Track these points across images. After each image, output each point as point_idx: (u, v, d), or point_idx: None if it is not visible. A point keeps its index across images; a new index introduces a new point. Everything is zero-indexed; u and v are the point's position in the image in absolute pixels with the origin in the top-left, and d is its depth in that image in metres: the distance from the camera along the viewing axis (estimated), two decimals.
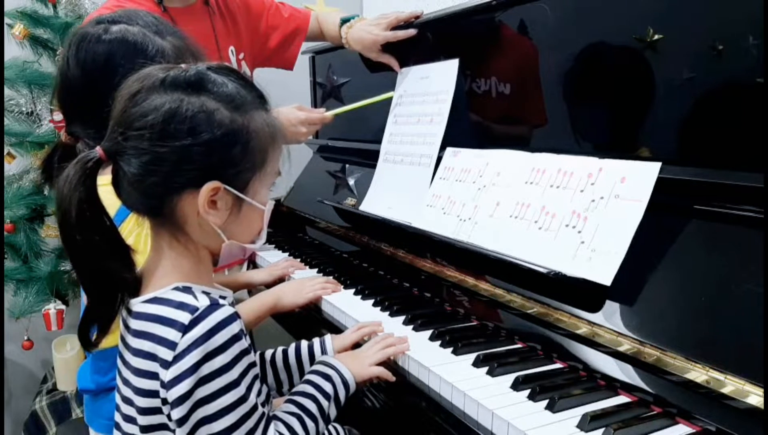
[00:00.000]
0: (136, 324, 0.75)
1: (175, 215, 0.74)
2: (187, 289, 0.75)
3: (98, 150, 0.72)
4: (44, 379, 2.22)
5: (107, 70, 0.90)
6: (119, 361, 0.79)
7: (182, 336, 0.70)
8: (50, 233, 2.07)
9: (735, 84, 0.84)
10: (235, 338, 0.72)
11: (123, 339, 0.78)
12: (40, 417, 2.02)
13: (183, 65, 0.75)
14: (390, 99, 1.52)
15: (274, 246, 1.74)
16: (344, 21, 1.62)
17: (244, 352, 0.73)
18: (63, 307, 2.04)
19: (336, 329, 1.15)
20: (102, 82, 0.88)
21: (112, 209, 0.76)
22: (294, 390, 0.89)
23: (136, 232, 0.83)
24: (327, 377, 0.89)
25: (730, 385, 0.71)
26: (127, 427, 0.77)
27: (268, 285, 1.42)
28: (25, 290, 2.01)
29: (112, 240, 0.75)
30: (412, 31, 1.46)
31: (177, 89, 0.72)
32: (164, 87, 0.72)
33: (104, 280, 0.75)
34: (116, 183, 0.75)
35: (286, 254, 1.64)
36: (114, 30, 0.93)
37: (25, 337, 2.08)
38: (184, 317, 0.71)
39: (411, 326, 1.07)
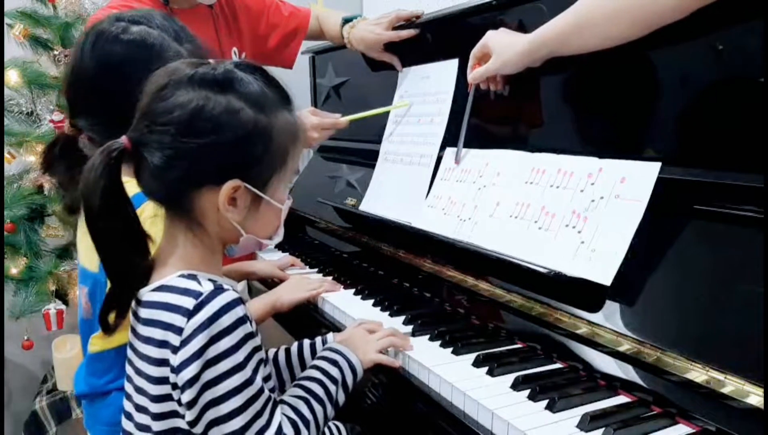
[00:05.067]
0: (145, 312, 0.76)
1: (194, 209, 0.76)
2: (192, 276, 0.76)
3: (124, 139, 0.73)
4: (44, 379, 2.22)
5: (122, 69, 0.89)
6: (129, 351, 0.80)
7: (187, 321, 0.71)
8: (50, 233, 2.07)
9: (735, 84, 0.84)
10: (240, 321, 0.73)
11: (133, 329, 0.79)
12: (40, 417, 2.03)
13: (211, 61, 0.76)
14: (405, 107, 1.50)
15: (274, 246, 1.74)
16: (346, 21, 1.62)
17: (249, 335, 0.73)
18: (63, 307, 2.05)
19: (336, 329, 1.15)
20: (114, 80, 0.88)
21: None
22: (301, 375, 0.89)
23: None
24: (334, 362, 0.90)
25: (730, 385, 0.71)
26: (139, 417, 0.78)
27: (268, 284, 1.42)
28: (25, 290, 2.01)
29: (134, 228, 0.76)
30: (414, 31, 1.47)
31: (204, 86, 0.73)
32: (192, 83, 0.73)
33: (127, 267, 0.76)
34: (138, 172, 0.75)
35: (286, 254, 1.64)
36: (134, 30, 0.92)
37: (25, 337, 2.08)
38: (189, 302, 0.72)
39: (411, 326, 1.07)
